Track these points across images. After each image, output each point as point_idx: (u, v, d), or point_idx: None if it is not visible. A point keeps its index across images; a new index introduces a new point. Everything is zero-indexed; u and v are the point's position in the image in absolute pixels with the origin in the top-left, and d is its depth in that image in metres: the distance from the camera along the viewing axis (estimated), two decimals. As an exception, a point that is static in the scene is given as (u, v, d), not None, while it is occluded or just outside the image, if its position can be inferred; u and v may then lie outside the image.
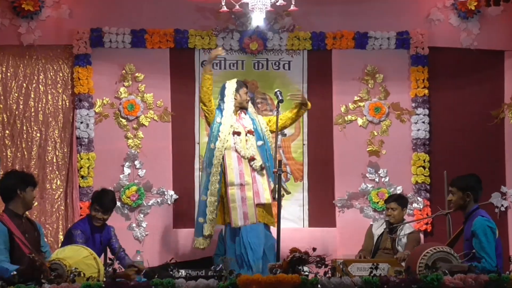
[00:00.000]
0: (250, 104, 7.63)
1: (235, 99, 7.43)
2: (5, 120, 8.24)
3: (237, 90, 7.45)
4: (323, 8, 8.56)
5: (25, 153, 8.25)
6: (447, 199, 6.37)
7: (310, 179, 8.57)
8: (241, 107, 7.48)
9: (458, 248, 5.95)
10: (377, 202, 8.42)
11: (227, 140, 7.31)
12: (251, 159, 7.32)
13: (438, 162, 8.50)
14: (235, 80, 7.59)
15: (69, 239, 6.82)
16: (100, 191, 7.24)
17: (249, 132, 7.41)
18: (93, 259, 5.40)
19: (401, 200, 7.71)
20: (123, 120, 8.42)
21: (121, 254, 6.89)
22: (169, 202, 8.39)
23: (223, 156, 7.29)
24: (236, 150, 7.32)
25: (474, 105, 8.63)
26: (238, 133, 7.35)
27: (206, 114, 7.50)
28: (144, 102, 8.44)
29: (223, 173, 7.31)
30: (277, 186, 6.95)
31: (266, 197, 7.29)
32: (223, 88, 7.52)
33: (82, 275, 5.14)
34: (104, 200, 7.08)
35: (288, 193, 7.48)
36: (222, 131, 7.32)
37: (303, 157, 8.59)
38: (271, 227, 7.38)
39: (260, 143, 7.38)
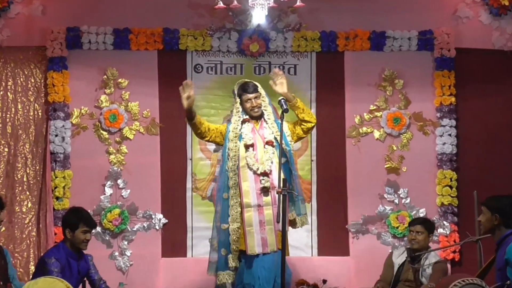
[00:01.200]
0: (268, 107, 7.28)
1: (237, 109, 7.24)
2: (-32, 133, 8.27)
3: (239, 98, 7.19)
4: (334, 4, 8.57)
5: (-9, 170, 8.27)
6: (477, 219, 6.39)
7: (320, 201, 8.57)
8: (252, 117, 7.21)
9: (490, 280, 5.92)
10: (397, 227, 8.40)
11: (238, 156, 7.12)
12: (263, 174, 7.08)
13: (466, 180, 8.50)
14: (240, 82, 7.29)
15: (42, 269, 6.78)
16: (78, 210, 7.08)
17: (268, 143, 7.16)
18: (70, 292, 5.40)
19: (428, 224, 7.67)
20: (104, 133, 8.42)
21: (101, 286, 6.88)
22: (157, 227, 8.38)
23: (238, 176, 7.13)
24: (249, 167, 7.10)
25: (508, 114, 8.64)
26: (251, 146, 7.14)
27: (212, 142, 7.35)
28: (128, 112, 8.44)
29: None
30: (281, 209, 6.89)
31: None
32: (233, 94, 7.30)
33: (57, 311, 5.16)
34: (89, 218, 7.00)
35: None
36: (231, 148, 7.16)
37: (312, 175, 8.59)
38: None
39: (283, 160, 7.03)
